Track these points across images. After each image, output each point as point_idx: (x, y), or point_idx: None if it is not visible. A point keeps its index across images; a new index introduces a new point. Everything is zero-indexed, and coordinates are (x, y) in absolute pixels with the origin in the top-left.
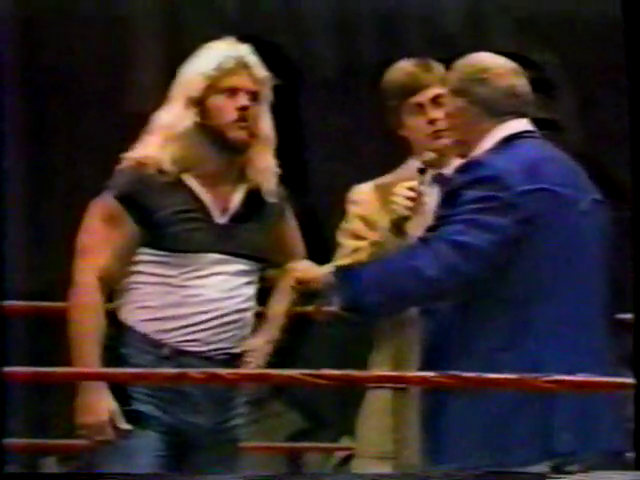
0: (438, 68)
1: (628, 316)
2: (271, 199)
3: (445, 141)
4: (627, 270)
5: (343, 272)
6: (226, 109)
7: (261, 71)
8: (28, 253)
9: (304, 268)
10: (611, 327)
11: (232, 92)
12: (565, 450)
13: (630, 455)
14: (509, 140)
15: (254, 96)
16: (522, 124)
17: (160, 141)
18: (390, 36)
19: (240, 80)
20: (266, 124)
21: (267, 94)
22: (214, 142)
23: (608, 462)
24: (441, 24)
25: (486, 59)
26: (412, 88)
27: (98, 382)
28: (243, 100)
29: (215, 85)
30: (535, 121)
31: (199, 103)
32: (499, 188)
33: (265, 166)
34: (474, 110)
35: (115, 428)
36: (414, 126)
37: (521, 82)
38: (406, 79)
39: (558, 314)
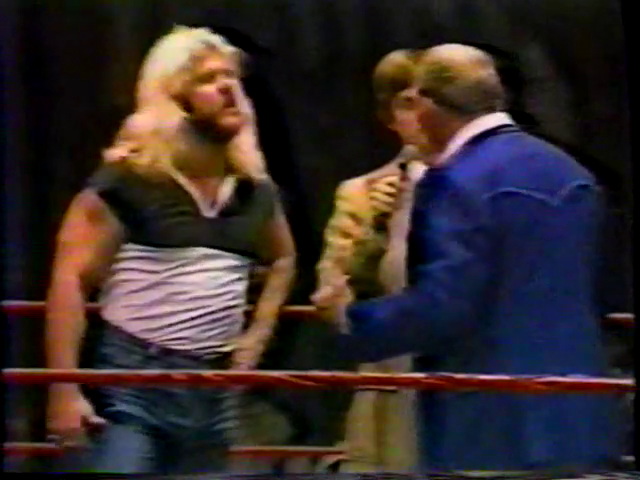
0: None
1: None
2: (261, 187)
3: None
4: (623, 265)
5: (355, 310)
6: (211, 96)
7: (228, 48)
8: (28, 252)
9: (323, 297)
10: (602, 326)
11: (210, 77)
12: (539, 459)
13: (628, 458)
14: (479, 138)
15: (228, 75)
16: (494, 119)
17: (149, 144)
18: (379, 26)
19: (214, 62)
20: (244, 101)
21: (238, 70)
22: (204, 134)
23: (595, 468)
24: (430, 14)
25: (449, 54)
26: (403, 81)
27: (70, 387)
28: (223, 80)
29: (193, 75)
30: (512, 114)
31: (181, 98)
32: (461, 198)
33: (248, 148)
34: (442, 110)
35: (91, 431)
36: (404, 120)
37: (488, 73)
38: (396, 72)
39: (538, 322)
